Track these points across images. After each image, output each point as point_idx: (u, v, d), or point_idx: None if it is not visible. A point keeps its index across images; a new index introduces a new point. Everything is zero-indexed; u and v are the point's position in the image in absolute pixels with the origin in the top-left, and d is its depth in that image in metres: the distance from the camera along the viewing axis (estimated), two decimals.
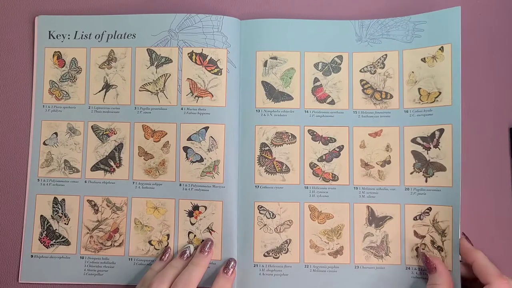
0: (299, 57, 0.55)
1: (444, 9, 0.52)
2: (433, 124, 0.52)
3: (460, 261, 0.49)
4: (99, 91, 0.55)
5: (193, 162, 0.54)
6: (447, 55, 0.52)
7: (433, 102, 0.52)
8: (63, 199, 0.54)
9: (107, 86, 0.55)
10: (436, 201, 0.52)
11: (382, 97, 0.54)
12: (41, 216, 0.54)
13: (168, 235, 0.54)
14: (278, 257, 0.53)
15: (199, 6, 0.57)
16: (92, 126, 0.55)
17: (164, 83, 0.55)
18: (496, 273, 0.45)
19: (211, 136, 0.54)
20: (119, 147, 0.55)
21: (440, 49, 0.53)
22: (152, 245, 0.54)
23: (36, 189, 0.55)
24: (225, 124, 0.54)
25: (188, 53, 0.55)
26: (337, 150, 0.54)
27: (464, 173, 0.52)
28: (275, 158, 0.54)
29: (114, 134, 0.55)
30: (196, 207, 0.53)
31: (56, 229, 0.54)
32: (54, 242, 0.54)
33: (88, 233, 0.54)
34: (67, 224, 0.54)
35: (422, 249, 0.52)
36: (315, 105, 0.55)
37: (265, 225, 0.53)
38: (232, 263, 0.51)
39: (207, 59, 0.54)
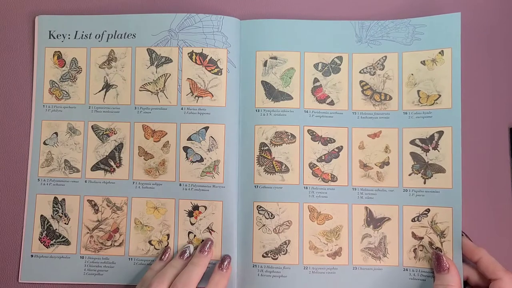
0: (299, 58, 0.55)
1: (444, 14, 0.52)
2: (432, 126, 0.52)
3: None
4: (99, 91, 0.55)
5: (193, 162, 0.54)
6: (447, 59, 0.52)
7: (432, 104, 0.53)
8: (63, 199, 0.55)
9: (107, 86, 0.55)
10: (435, 202, 0.52)
11: (381, 99, 0.54)
12: (41, 216, 0.54)
13: (168, 235, 0.54)
14: (276, 258, 0.53)
15: (199, 6, 0.57)
16: (92, 126, 0.55)
17: (164, 83, 0.55)
18: (504, 268, 0.47)
19: (211, 136, 0.54)
20: (119, 147, 0.55)
21: (440, 52, 0.53)
22: (152, 245, 0.54)
23: (36, 189, 0.55)
24: (225, 124, 0.54)
25: (188, 53, 0.55)
26: (336, 150, 0.54)
27: (464, 173, 0.52)
28: (274, 158, 0.54)
29: (114, 134, 0.55)
30: (196, 207, 0.53)
31: (56, 229, 0.54)
32: (54, 242, 0.54)
33: (88, 233, 0.54)
34: (67, 224, 0.54)
35: (420, 250, 0.52)
36: (315, 105, 0.55)
37: (264, 225, 0.53)
38: (228, 259, 0.52)
39: (207, 59, 0.54)
